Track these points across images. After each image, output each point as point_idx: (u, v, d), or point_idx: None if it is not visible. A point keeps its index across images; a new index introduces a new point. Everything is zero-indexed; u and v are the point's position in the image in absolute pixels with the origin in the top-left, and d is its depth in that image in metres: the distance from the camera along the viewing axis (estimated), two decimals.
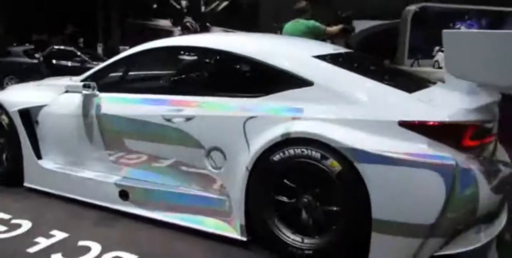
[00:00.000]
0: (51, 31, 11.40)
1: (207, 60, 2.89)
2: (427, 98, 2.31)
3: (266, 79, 2.61)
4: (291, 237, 2.37)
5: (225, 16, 12.11)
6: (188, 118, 2.65)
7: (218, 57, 2.80)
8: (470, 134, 2.13)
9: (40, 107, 3.32)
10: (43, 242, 2.60)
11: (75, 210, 3.07)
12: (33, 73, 7.84)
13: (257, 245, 2.52)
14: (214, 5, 12.45)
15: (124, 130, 2.92)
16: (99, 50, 11.49)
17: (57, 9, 12.20)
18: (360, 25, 6.87)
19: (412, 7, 7.23)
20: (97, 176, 3.09)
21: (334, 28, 4.75)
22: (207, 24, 12.22)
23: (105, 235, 2.71)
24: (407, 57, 7.31)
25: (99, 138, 3.05)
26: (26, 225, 2.83)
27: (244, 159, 2.44)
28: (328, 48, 2.94)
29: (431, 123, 2.11)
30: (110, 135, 3.00)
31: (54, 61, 8.74)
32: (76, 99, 3.13)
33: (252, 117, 2.45)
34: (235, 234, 2.53)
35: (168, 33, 12.13)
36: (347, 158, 2.14)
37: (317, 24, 4.62)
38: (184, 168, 2.75)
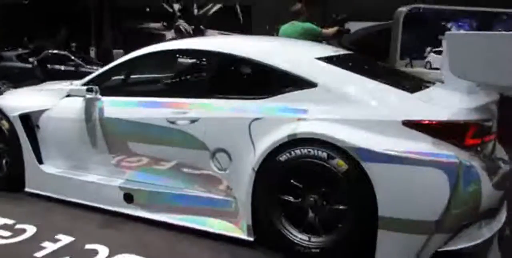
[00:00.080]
0: (43, 36, 11.34)
1: (211, 63, 2.92)
2: (428, 98, 2.37)
3: (270, 81, 2.65)
4: (298, 236, 2.40)
5: (218, 19, 12.15)
6: (193, 121, 2.68)
7: (222, 60, 2.83)
8: (472, 133, 2.19)
9: (41, 111, 3.32)
10: (49, 247, 2.61)
11: (79, 214, 3.07)
12: (26, 77, 7.81)
13: (263, 245, 2.55)
14: (206, 8, 12.49)
15: (128, 133, 2.94)
16: (92, 54, 11.45)
17: (49, 14, 12.15)
18: (354, 27, 6.95)
19: (404, 9, 7.33)
20: (101, 180, 3.10)
21: (330, 30, 4.82)
22: (201, 27, 12.24)
23: (111, 237, 2.72)
24: (399, 58, 7.40)
25: (102, 141, 3.06)
26: (30, 230, 2.82)
27: (250, 160, 2.47)
28: (329, 50, 3.00)
29: (435, 122, 2.17)
30: (114, 138, 3.02)
31: (48, 65, 8.70)
32: (78, 103, 3.14)
33: (257, 118, 2.49)
34: (241, 235, 2.56)
35: (161, 36, 12.14)
36: (353, 157, 2.18)
37: (313, 26, 4.68)
38: (189, 170, 2.77)
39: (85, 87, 3.07)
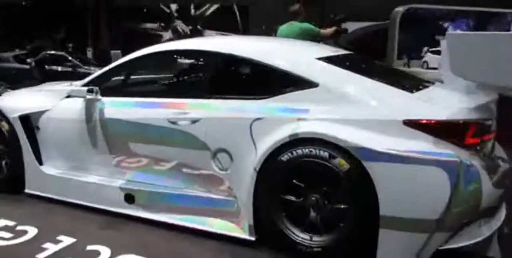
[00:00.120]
0: (42, 36, 11.32)
1: (212, 63, 2.93)
2: (428, 98, 2.39)
3: (271, 81, 2.66)
4: (300, 236, 2.41)
5: (216, 19, 12.15)
6: (194, 121, 2.68)
7: (223, 60, 2.84)
8: (472, 132, 2.21)
9: (41, 112, 3.31)
10: (51, 248, 2.61)
11: (80, 215, 3.07)
12: (24, 78, 7.79)
13: (264, 245, 2.56)
14: (204, 8, 12.48)
15: (128, 134, 2.94)
16: (89, 54, 11.43)
17: (46, 14, 12.12)
18: (352, 27, 6.98)
19: (400, 9, 7.37)
20: (101, 180, 3.10)
21: (328, 30, 4.84)
22: (199, 27, 12.24)
23: (113, 238, 2.72)
24: (396, 58, 7.44)
25: (103, 142, 3.06)
26: (32, 231, 2.82)
27: (251, 160, 2.48)
28: (328, 50, 3.01)
29: (435, 122, 2.19)
30: (114, 139, 3.02)
31: (46, 66, 8.69)
32: (78, 104, 3.14)
33: (258, 118, 2.50)
34: (243, 234, 2.57)
35: (158, 37, 12.13)
36: (355, 156, 2.20)
37: (311, 26, 4.70)
38: (190, 170, 2.78)
39: (85, 88, 3.08)
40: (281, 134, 2.38)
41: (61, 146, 3.28)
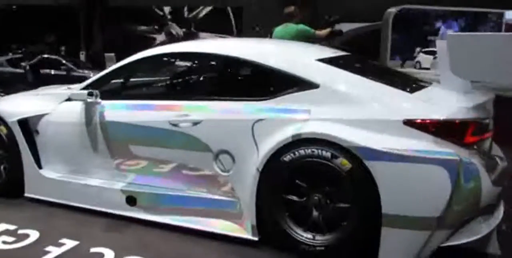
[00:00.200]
0: (32, 41, 11.25)
1: (214, 66, 2.95)
2: (427, 98, 2.44)
3: (272, 83, 2.69)
4: (303, 235, 2.44)
5: (209, 21, 12.15)
6: (195, 123, 2.70)
7: (225, 62, 2.87)
8: (471, 131, 2.26)
9: (40, 116, 3.30)
10: (54, 251, 2.60)
11: (81, 218, 3.07)
12: (17, 82, 7.73)
13: (268, 245, 2.59)
14: (197, 10, 12.48)
15: (129, 136, 2.95)
16: (82, 57, 11.37)
17: (37, 18, 12.05)
18: (346, 28, 7.04)
19: (393, 9, 7.45)
20: (102, 183, 3.10)
21: (323, 32, 4.89)
22: (193, 29, 12.24)
23: (116, 240, 2.73)
24: (389, 58, 7.52)
25: (103, 145, 3.06)
26: (34, 234, 2.81)
27: (254, 161, 2.51)
28: (328, 52, 3.05)
29: (435, 121, 2.23)
30: (115, 142, 3.02)
31: (40, 70, 8.63)
32: (78, 107, 3.14)
33: (260, 120, 2.52)
34: (246, 235, 2.59)
35: (152, 40, 12.11)
36: (357, 156, 2.23)
37: (307, 27, 4.75)
38: (191, 172, 2.80)
39: (86, 92, 3.08)
40: (284, 134, 2.40)
41: (61, 149, 3.27)
